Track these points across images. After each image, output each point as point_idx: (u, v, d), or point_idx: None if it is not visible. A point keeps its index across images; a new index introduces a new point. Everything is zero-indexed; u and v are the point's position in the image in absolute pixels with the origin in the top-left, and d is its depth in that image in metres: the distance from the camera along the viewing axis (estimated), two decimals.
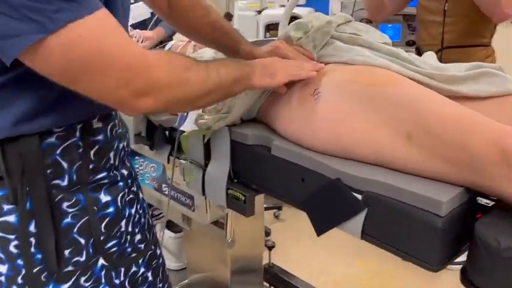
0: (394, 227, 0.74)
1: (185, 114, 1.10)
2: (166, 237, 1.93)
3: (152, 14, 1.83)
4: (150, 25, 1.65)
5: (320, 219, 0.84)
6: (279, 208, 2.65)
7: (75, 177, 0.73)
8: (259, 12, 2.77)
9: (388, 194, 0.74)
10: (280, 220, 2.65)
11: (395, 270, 2.14)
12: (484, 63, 0.91)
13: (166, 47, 1.53)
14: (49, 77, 0.61)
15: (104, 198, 0.77)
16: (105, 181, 0.78)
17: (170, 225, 1.94)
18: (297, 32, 1.00)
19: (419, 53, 1.93)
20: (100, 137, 0.76)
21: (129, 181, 0.85)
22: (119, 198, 0.80)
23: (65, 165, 0.72)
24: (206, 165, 1.08)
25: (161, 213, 1.89)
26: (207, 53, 1.24)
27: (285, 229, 2.54)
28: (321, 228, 0.84)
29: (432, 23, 1.89)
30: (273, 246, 1.84)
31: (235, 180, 1.04)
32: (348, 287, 2.12)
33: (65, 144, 0.71)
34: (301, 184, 0.87)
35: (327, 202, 0.82)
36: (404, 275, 2.10)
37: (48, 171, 0.70)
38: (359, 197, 0.77)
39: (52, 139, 0.70)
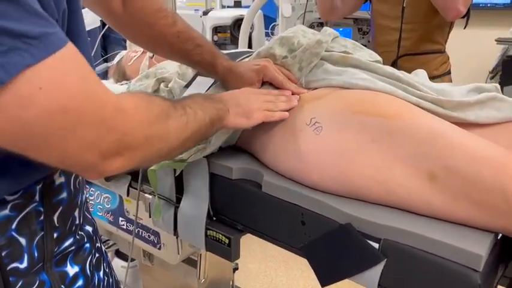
0: (418, 281, 0.64)
1: None
2: (118, 267, 1.73)
3: (102, 23, 1.61)
4: (100, 35, 1.43)
5: (325, 269, 0.73)
6: None
7: (36, 254, 0.56)
8: (206, 13, 2.62)
9: (411, 244, 0.64)
10: None
11: None
12: (485, 84, 0.86)
13: (117, 58, 1.34)
14: None
15: (71, 270, 0.61)
16: (72, 248, 0.61)
17: (121, 253, 1.74)
18: (282, 49, 0.88)
19: None
20: (63, 195, 0.60)
21: (94, 237, 0.69)
22: (87, 265, 0.64)
23: (23, 241, 0.55)
24: (178, 200, 0.94)
25: (109, 239, 1.70)
26: (170, 66, 1.08)
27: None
28: (326, 279, 0.73)
29: (389, 29, 1.87)
30: (237, 269, 1.72)
31: (214, 218, 0.90)
32: None
33: (23, 213, 0.54)
34: (301, 228, 0.76)
35: (335, 250, 0.72)
36: None
37: (3, 253, 0.53)
38: (375, 245, 0.67)
39: (5, 211, 0.53)
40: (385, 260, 0.66)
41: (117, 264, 1.74)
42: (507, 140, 0.77)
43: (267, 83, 0.88)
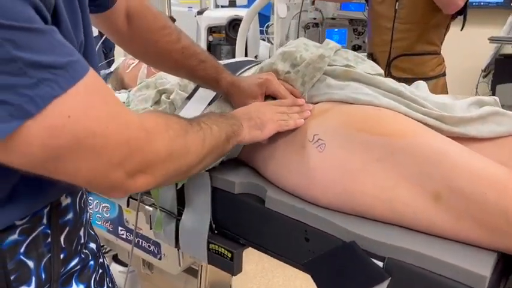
0: None
1: None
2: (116, 273, 1.73)
3: (100, 33, 1.60)
4: (98, 45, 1.42)
5: (329, 286, 0.74)
6: None
7: (44, 275, 0.56)
8: (200, 13, 2.60)
9: (416, 263, 0.65)
10: None
11: None
12: (485, 97, 0.87)
13: (113, 66, 1.33)
14: (21, 169, 0.44)
15: None
16: (77, 268, 0.62)
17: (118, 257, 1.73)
18: (284, 64, 0.88)
19: (373, 58, 1.92)
20: (70, 216, 0.60)
21: (98, 254, 0.69)
22: (91, 283, 0.65)
23: (31, 264, 0.55)
24: (179, 212, 0.94)
25: (105, 245, 1.69)
26: (170, 76, 1.08)
27: None
28: None
29: (386, 29, 1.88)
30: None
31: (216, 232, 0.90)
32: None
33: (31, 237, 0.54)
34: (305, 244, 0.76)
35: (339, 267, 0.72)
36: None
37: (12, 277, 0.53)
38: (380, 264, 0.68)
39: (14, 236, 0.53)
40: (389, 278, 0.67)
41: (115, 269, 1.73)
42: (507, 154, 0.77)
43: (270, 97, 0.88)
